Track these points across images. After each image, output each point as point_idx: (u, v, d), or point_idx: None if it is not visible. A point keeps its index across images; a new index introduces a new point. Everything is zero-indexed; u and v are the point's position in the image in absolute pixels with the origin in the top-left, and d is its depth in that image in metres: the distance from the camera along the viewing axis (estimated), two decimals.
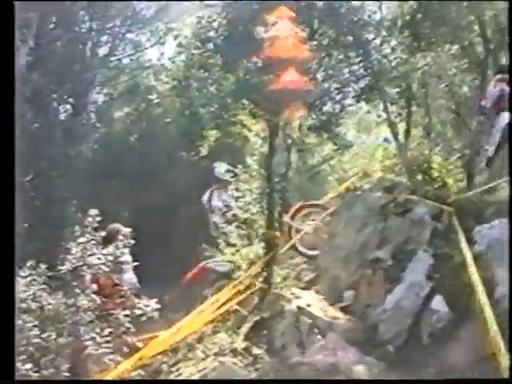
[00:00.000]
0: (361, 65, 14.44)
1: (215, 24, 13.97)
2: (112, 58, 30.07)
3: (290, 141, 14.25)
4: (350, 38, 14.28)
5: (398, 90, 16.09)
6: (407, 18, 16.81)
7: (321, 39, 14.22)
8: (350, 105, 14.92)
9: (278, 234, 13.56)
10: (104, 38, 29.47)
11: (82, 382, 10.34)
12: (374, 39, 14.92)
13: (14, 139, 7.58)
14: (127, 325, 10.99)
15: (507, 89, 12.57)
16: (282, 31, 13.16)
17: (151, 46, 30.37)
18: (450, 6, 16.56)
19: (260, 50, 13.08)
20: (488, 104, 12.94)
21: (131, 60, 31.09)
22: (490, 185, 12.35)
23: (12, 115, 7.54)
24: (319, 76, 13.98)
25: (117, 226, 13.06)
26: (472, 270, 9.24)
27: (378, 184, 15.02)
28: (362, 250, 12.33)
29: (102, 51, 29.64)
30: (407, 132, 17.94)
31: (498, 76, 13.07)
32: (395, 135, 17.99)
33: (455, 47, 17.86)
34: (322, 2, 14.47)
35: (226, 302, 12.73)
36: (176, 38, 14.63)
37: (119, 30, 29.53)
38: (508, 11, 13.69)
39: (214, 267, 15.21)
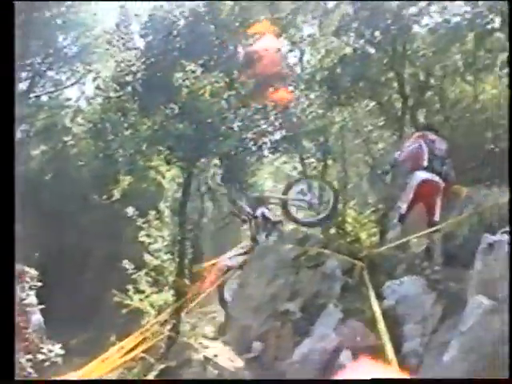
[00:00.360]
0: (278, 116, 14.66)
1: (134, 68, 14.02)
2: (31, 95, 29.76)
3: (204, 189, 14.29)
4: (271, 89, 14.52)
5: (314, 143, 16.32)
6: (326, 72, 17.03)
7: (240, 89, 14.29)
8: (265, 156, 15.06)
9: (187, 282, 13.51)
10: (24, 74, 29.18)
11: (81, 382, 10.09)
12: (292, 92, 15.16)
13: (13, 140, 7.52)
14: (29, 370, 10.74)
15: (425, 147, 12.67)
16: (267, 46, 13.44)
17: (71, 85, 30.20)
18: (370, 63, 16.91)
19: (177, 97, 13.25)
20: (401, 157, 13.00)
21: (50, 98, 30.81)
22: (402, 241, 12.43)
23: (12, 116, 7.47)
24: (235, 126, 14.03)
25: (23, 267, 12.80)
26: (380, 325, 9.30)
27: (290, 236, 15.02)
28: (273, 301, 12.25)
29: (22, 87, 29.32)
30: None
31: (419, 133, 13.15)
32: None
33: (373, 103, 18.19)
34: (244, 52, 14.76)
35: (133, 348, 12.59)
36: (95, 79, 14.65)
37: (40, 66, 29.28)
38: (508, 11, 14.05)
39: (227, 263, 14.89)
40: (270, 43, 14.45)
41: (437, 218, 12.11)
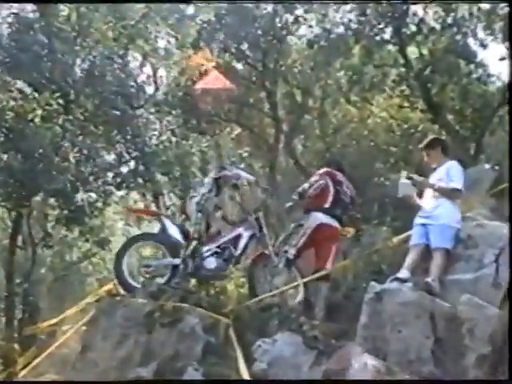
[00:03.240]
0: (127, 145, 14.51)
1: None
2: None
3: (36, 234, 14.12)
4: (116, 112, 14.27)
5: (171, 175, 16.16)
6: (180, 93, 16.66)
7: (77, 112, 14.11)
8: (111, 193, 14.84)
9: (17, 347, 13.10)
10: None
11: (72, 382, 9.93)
12: (143, 115, 15.10)
13: None
14: None
15: (332, 187, 12.55)
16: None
17: None
18: (237, 81, 16.83)
19: (1, 122, 13.19)
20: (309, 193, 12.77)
21: None
22: (275, 292, 12.34)
23: None
24: (72, 158, 13.77)
25: None
26: None
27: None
28: (122, 366, 12.05)
29: None
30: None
31: (326, 169, 12.92)
32: None
33: (239, 129, 18.15)
34: (83, 66, 14.75)
35: None
36: None
37: None
38: (508, 11, 14.37)
39: None
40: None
41: (328, 266, 11.96)
